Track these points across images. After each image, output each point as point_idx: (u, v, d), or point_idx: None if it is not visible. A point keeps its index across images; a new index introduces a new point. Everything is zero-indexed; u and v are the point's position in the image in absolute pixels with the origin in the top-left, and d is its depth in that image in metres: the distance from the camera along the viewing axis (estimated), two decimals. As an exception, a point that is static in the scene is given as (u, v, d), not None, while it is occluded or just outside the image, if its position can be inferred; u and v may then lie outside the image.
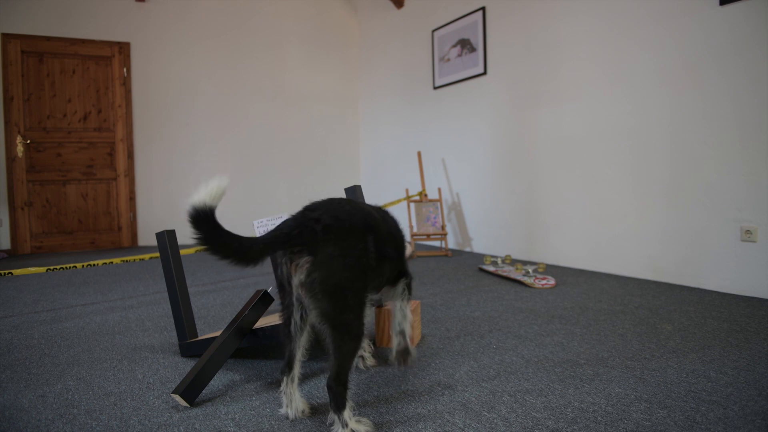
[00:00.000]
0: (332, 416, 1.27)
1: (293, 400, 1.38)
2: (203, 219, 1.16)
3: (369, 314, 1.36)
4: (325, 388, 1.57)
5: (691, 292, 2.77)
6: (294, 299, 1.33)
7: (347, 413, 1.25)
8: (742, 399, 1.44)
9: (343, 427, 1.24)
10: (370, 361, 1.77)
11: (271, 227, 2.22)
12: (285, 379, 1.38)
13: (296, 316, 1.36)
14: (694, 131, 2.88)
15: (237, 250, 1.19)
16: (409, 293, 1.72)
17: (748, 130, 2.65)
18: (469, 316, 2.38)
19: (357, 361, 1.75)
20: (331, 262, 1.24)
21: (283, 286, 1.34)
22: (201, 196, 1.16)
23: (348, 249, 1.27)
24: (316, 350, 1.95)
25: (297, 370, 1.39)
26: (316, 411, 1.42)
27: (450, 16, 4.73)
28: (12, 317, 2.54)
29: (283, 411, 1.39)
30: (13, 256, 4.85)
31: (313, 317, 1.30)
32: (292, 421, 1.36)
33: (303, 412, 1.38)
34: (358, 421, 1.28)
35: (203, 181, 1.18)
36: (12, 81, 4.85)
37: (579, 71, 3.52)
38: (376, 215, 1.48)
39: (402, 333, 1.71)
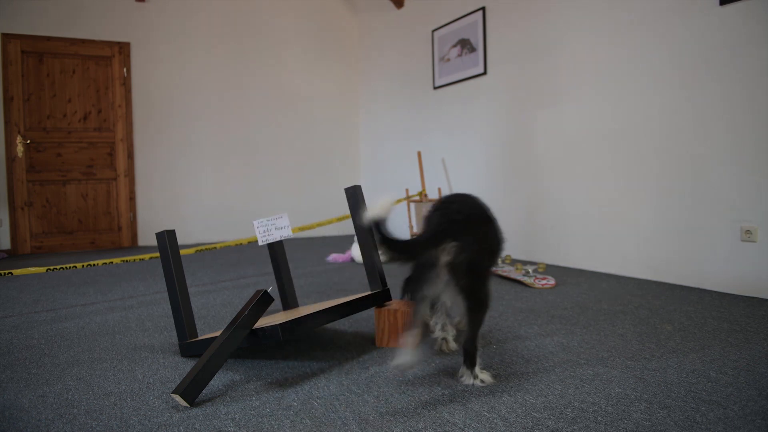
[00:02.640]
0: (464, 370, 1.59)
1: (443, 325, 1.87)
2: (378, 228, 1.44)
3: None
4: (332, 386, 1.58)
5: (691, 292, 2.77)
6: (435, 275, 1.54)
7: (477, 368, 1.58)
8: (742, 399, 1.44)
9: (474, 378, 1.56)
10: (453, 345, 1.89)
11: (270, 227, 2.24)
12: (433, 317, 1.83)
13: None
14: (694, 131, 2.88)
15: (402, 249, 1.47)
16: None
17: (748, 130, 2.65)
18: (469, 316, 2.38)
19: (441, 344, 1.90)
20: (472, 246, 1.49)
21: (424, 266, 1.56)
22: (375, 211, 1.43)
23: (483, 235, 1.58)
24: (316, 350, 1.95)
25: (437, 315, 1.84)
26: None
27: (450, 16, 4.73)
28: (12, 317, 2.54)
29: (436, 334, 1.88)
30: (13, 256, 4.85)
31: (452, 292, 1.54)
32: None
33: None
34: (483, 372, 1.59)
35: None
36: (12, 81, 4.86)
37: (579, 71, 3.52)
38: (490, 211, 1.76)
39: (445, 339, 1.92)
